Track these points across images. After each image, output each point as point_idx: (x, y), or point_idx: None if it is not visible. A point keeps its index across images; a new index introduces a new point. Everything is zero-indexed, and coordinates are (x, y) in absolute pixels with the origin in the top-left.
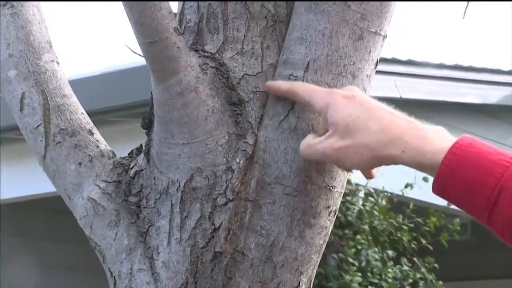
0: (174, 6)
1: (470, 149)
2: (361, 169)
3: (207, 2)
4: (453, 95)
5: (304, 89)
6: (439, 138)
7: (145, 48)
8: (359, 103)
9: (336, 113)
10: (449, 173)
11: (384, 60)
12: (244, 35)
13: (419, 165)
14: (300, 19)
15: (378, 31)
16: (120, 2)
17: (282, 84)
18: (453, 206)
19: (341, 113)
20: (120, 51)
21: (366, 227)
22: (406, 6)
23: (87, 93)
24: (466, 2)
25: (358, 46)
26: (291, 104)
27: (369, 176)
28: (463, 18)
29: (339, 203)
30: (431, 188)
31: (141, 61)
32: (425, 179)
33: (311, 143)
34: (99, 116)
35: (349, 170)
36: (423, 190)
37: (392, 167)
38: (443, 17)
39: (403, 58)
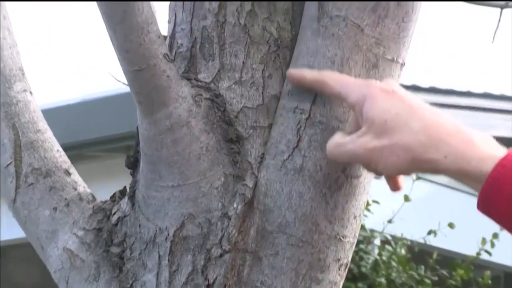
0: (164, 28)
1: None
2: (394, 173)
3: (201, 25)
4: (482, 127)
5: (336, 78)
6: (487, 145)
7: (130, 76)
8: (399, 98)
9: (374, 107)
10: (497, 189)
11: (403, 87)
12: (243, 62)
13: (461, 173)
14: (306, 44)
15: (395, 59)
16: (103, 23)
17: (308, 73)
18: (483, 256)
19: (379, 108)
20: (101, 77)
21: (383, 280)
22: (428, 29)
23: (63, 123)
24: (495, 26)
25: (372, 75)
26: (296, 141)
27: (395, 186)
28: (493, 42)
29: (351, 255)
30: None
31: (125, 88)
32: (450, 225)
33: (340, 142)
34: (76, 150)
35: (380, 173)
36: (448, 238)
37: (412, 211)
38: (470, 40)
39: (425, 85)
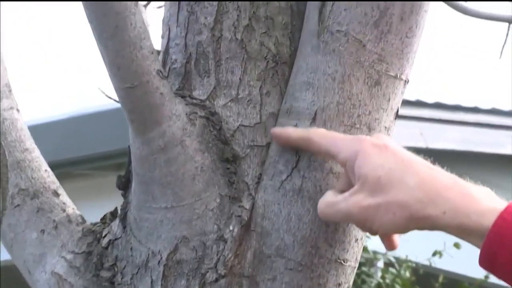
0: (157, 43)
1: None
2: (391, 232)
3: (196, 40)
4: (490, 145)
5: (323, 134)
6: (486, 198)
7: (122, 94)
8: (392, 153)
9: (366, 163)
10: (500, 243)
11: (407, 103)
12: (240, 79)
13: (461, 229)
14: (306, 60)
15: (398, 75)
16: (93, 38)
17: (292, 131)
18: (491, 279)
19: (372, 164)
20: (91, 91)
21: None
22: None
23: (50, 141)
24: (503, 41)
25: (374, 93)
26: (295, 161)
27: (390, 245)
28: (500, 57)
29: (352, 279)
30: (478, 260)
31: (115, 103)
32: (456, 246)
33: (332, 201)
34: (64, 168)
35: (375, 233)
36: (454, 259)
37: (416, 231)
38: (477, 55)
39: (430, 100)
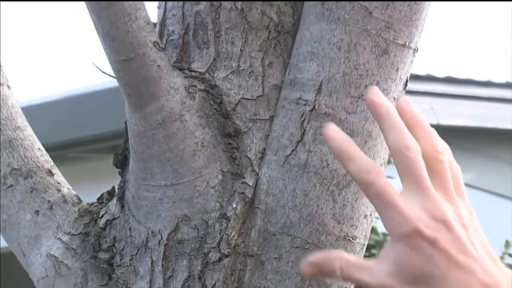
0: (154, 15)
1: None
2: None
3: (193, 10)
4: (504, 121)
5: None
6: None
7: (117, 67)
8: (441, 253)
9: (407, 253)
10: None
11: (417, 78)
12: (241, 50)
13: None
14: (310, 29)
15: (407, 43)
16: (86, 10)
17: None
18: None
19: (414, 258)
20: (85, 70)
21: None
22: (443, 13)
23: (44, 122)
24: None
25: (382, 62)
26: (300, 135)
27: None
28: None
29: (361, 257)
30: None
31: (111, 82)
32: None
33: (358, 263)
34: (59, 151)
35: None
36: None
37: None
38: (490, 26)
39: (441, 74)
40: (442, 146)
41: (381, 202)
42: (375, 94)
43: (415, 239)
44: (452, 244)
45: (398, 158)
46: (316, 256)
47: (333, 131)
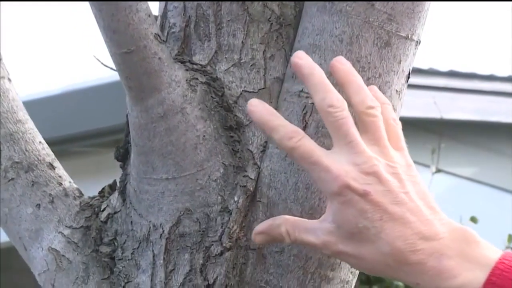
0: (155, 7)
1: None
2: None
3: (195, 2)
4: (507, 115)
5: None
6: (468, 269)
7: (118, 60)
8: (373, 204)
9: (343, 210)
10: None
11: (420, 72)
12: (242, 43)
13: None
14: (312, 21)
15: (409, 36)
16: (87, 3)
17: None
18: None
19: (349, 214)
20: (87, 64)
21: (400, 283)
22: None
23: (46, 117)
24: None
25: (384, 54)
26: (302, 128)
27: None
28: None
29: None
30: None
31: (113, 76)
32: (473, 219)
33: (302, 225)
34: (61, 145)
35: None
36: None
37: None
38: (493, 20)
39: (444, 68)
40: (372, 101)
41: (308, 164)
42: (299, 56)
43: (346, 194)
44: (384, 196)
45: (325, 117)
46: (263, 224)
47: (254, 105)
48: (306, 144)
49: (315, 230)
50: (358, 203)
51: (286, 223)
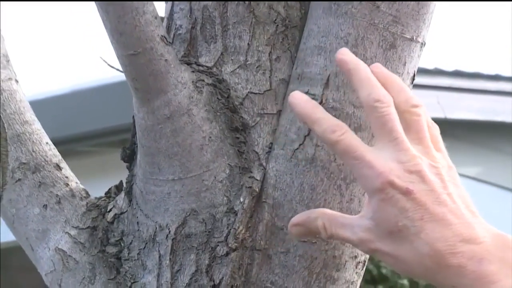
0: (161, 9)
1: None
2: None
3: (201, 4)
4: None
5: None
6: (508, 268)
7: (125, 61)
8: (415, 203)
9: (383, 208)
10: None
11: (424, 71)
12: (248, 44)
13: None
14: (317, 23)
15: (414, 38)
16: (93, 5)
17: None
18: None
19: (389, 212)
20: (93, 64)
21: (405, 282)
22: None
23: (52, 117)
24: None
25: (390, 56)
26: (308, 129)
27: None
28: None
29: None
30: None
31: (119, 75)
32: None
33: (340, 221)
34: (67, 145)
35: None
36: None
37: None
38: (498, 20)
39: (449, 68)
40: (417, 101)
41: (351, 159)
42: (342, 52)
43: (388, 191)
44: (427, 196)
45: (370, 113)
46: (299, 216)
47: (296, 97)
48: (350, 138)
49: (352, 226)
50: (400, 201)
51: (323, 217)
